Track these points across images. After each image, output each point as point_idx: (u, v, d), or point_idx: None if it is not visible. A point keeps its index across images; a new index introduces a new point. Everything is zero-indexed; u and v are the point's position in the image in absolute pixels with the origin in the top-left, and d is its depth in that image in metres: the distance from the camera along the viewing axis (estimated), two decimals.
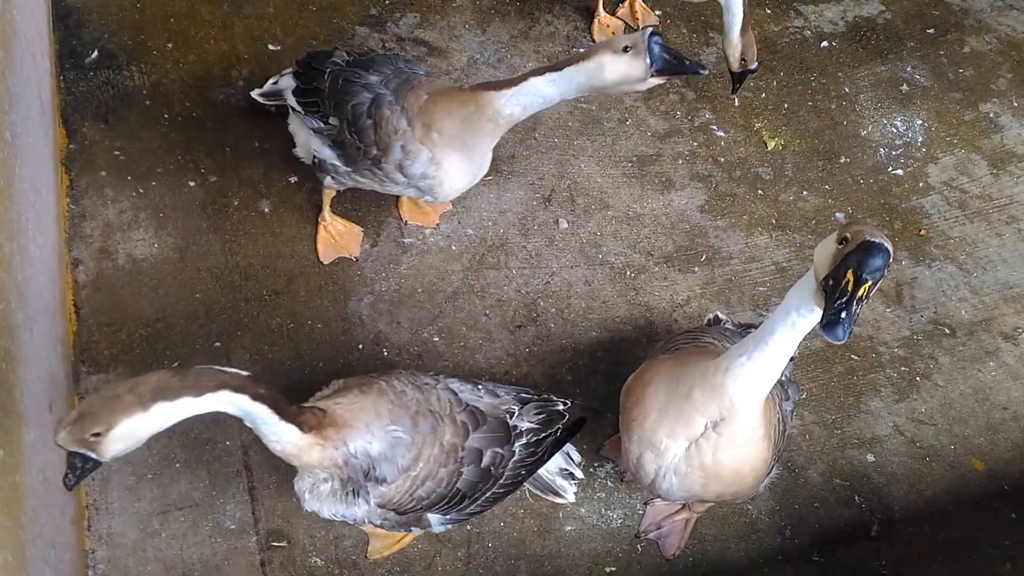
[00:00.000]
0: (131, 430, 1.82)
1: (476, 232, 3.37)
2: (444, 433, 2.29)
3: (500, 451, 2.37)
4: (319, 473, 2.21)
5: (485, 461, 2.35)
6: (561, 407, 2.54)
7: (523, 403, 2.50)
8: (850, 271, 1.71)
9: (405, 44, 3.76)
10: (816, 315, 1.89)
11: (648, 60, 2.34)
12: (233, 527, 2.77)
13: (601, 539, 2.87)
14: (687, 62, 2.38)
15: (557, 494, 2.70)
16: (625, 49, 2.35)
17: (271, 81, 3.09)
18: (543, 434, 2.48)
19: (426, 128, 2.66)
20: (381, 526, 2.38)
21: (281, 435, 2.03)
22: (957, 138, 3.83)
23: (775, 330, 1.98)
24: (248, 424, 2.03)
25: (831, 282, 1.74)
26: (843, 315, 1.70)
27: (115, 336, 3.01)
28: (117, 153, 3.34)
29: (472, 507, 2.44)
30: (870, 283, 1.72)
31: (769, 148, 3.70)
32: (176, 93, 3.50)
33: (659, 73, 2.37)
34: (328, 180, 3.01)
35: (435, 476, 2.28)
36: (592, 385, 3.11)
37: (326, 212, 3.22)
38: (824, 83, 3.91)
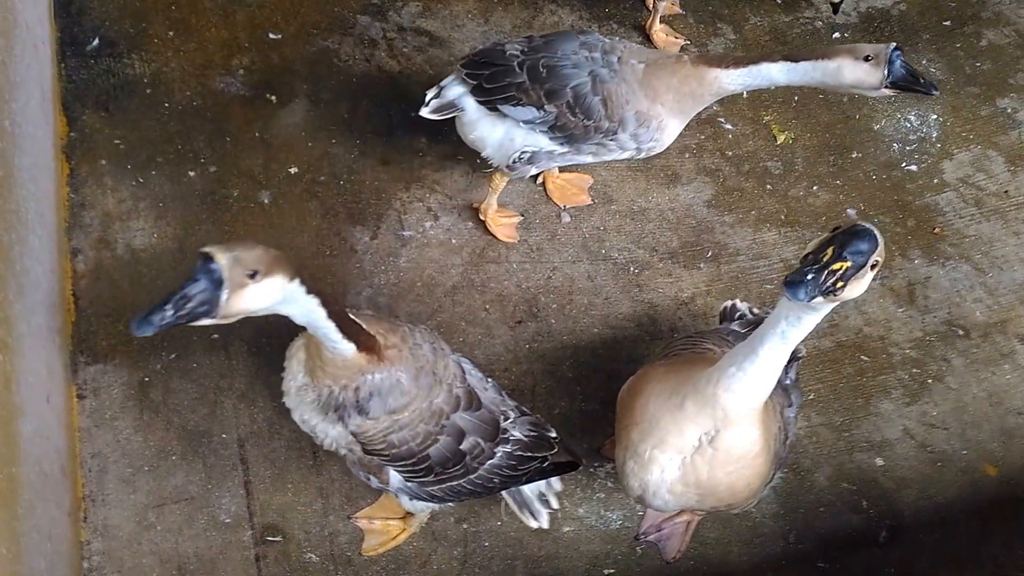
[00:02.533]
0: (268, 294, 1.74)
1: (476, 225, 3.32)
2: (437, 395, 2.29)
3: (482, 443, 2.36)
4: (325, 381, 2.19)
5: (465, 444, 2.33)
6: (553, 434, 2.52)
7: (521, 414, 2.49)
8: (832, 247, 1.72)
9: (407, 33, 3.71)
10: (805, 324, 1.89)
11: (886, 72, 2.51)
12: (228, 521, 2.76)
13: (600, 541, 2.83)
14: (922, 81, 2.54)
15: (532, 516, 2.66)
16: (867, 58, 2.51)
17: (431, 96, 2.96)
18: (528, 453, 2.45)
19: (651, 99, 2.77)
20: (345, 458, 2.38)
21: (338, 348, 2.06)
22: (973, 134, 3.74)
23: (765, 340, 1.94)
24: (310, 330, 2.03)
25: (810, 256, 1.74)
26: (809, 276, 1.69)
27: (114, 327, 3.00)
28: (118, 142, 3.32)
29: (434, 486, 2.42)
30: (849, 264, 1.71)
31: (779, 142, 3.63)
32: (176, 82, 3.47)
33: (892, 87, 2.54)
34: (522, 171, 3.02)
35: (413, 428, 2.26)
36: (593, 383, 3.06)
37: (494, 201, 3.22)
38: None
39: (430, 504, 2.55)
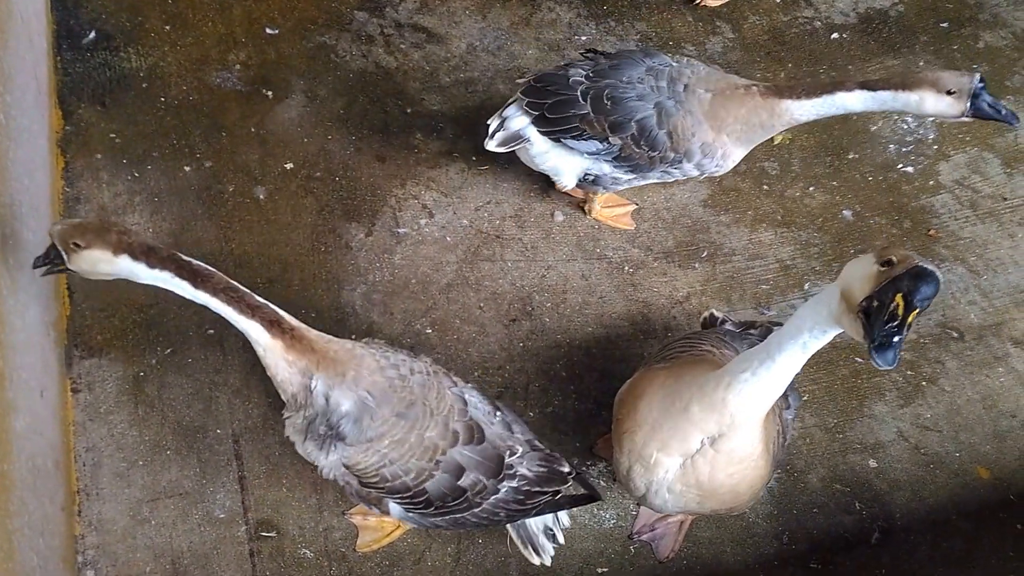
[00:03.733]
0: (95, 262, 2.06)
1: (471, 223, 3.31)
2: (427, 428, 2.24)
3: (483, 480, 2.30)
4: (284, 390, 2.23)
5: (464, 481, 2.28)
6: (566, 468, 2.45)
7: (531, 448, 2.43)
8: (900, 295, 1.61)
9: (404, 30, 3.70)
10: (828, 336, 1.83)
11: (969, 105, 2.52)
12: (223, 516, 2.76)
13: (593, 539, 2.83)
14: (1003, 112, 2.55)
15: (535, 551, 2.61)
16: (949, 92, 2.51)
17: (494, 127, 2.96)
18: (536, 488, 2.40)
19: (716, 130, 2.79)
20: (344, 489, 2.36)
21: (246, 332, 2.13)
22: (970, 136, 3.73)
23: (784, 348, 1.90)
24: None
25: (875, 303, 1.63)
26: (895, 339, 1.60)
27: (108, 321, 2.99)
28: (113, 136, 3.31)
29: (436, 517, 2.39)
30: (918, 311, 1.61)
31: (776, 142, 3.62)
32: (173, 76, 3.46)
33: (973, 117, 2.56)
34: (590, 188, 3.10)
35: (404, 463, 2.23)
36: (587, 382, 3.06)
37: (597, 202, 3.27)
38: (834, 76, 3.82)
39: (427, 525, 2.53)
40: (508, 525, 2.58)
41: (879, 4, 4.06)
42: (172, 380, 2.92)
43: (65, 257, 2.09)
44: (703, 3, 3.92)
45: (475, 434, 2.30)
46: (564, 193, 3.35)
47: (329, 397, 2.17)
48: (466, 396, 2.36)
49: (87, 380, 2.89)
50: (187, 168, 3.29)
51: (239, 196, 3.25)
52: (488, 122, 2.98)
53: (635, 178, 2.98)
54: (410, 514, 2.39)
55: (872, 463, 3.01)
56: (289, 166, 3.34)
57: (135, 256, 2.04)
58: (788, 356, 1.91)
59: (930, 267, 1.62)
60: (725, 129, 2.79)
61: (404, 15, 3.74)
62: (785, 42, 3.89)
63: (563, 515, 2.67)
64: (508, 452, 2.34)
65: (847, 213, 3.49)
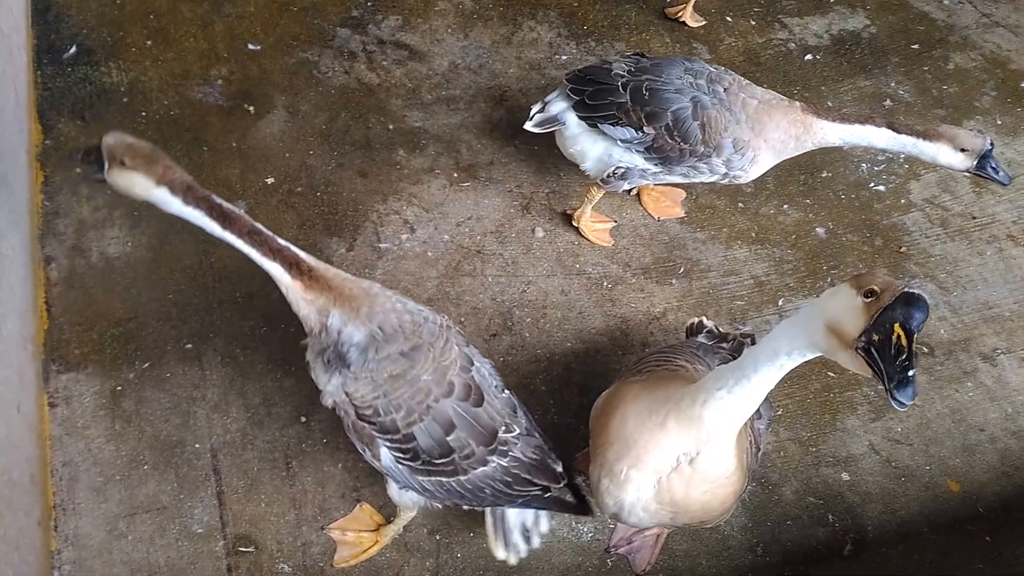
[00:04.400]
0: (134, 184, 2.14)
1: (452, 238, 3.34)
2: (425, 371, 2.30)
3: (473, 446, 2.33)
4: (311, 331, 2.33)
5: (453, 438, 2.31)
6: (559, 467, 2.48)
7: (529, 434, 2.45)
8: (897, 324, 1.61)
9: (386, 46, 3.74)
10: (804, 359, 1.85)
11: (973, 164, 2.79)
12: (200, 531, 2.74)
13: (571, 552, 2.85)
14: (1000, 173, 2.81)
15: (504, 546, 2.61)
16: (963, 151, 2.77)
17: (535, 110, 3.14)
18: (526, 475, 2.42)
19: (755, 132, 2.91)
20: (342, 422, 2.40)
21: (269, 271, 2.25)
22: None
23: (759, 368, 1.91)
24: None
25: (877, 338, 1.62)
26: (911, 374, 1.60)
27: (86, 335, 2.98)
28: None
29: (423, 477, 2.41)
30: (916, 335, 1.63)
31: None
32: (154, 91, 3.47)
33: (975, 174, 2.83)
34: (615, 185, 3.16)
35: (396, 399, 2.28)
36: (566, 396, 3.08)
37: (588, 210, 3.35)
38: (808, 96, 3.90)
39: (418, 499, 2.53)
40: (487, 511, 2.60)
41: (852, 26, 4.15)
42: (150, 394, 2.92)
43: (106, 168, 2.14)
44: (681, 18, 4.00)
45: (472, 394, 2.33)
46: (567, 212, 3.42)
47: (342, 331, 2.27)
48: (475, 360, 2.41)
49: (64, 394, 2.88)
50: None
51: None
52: (531, 106, 3.15)
53: (663, 171, 3.07)
54: (399, 466, 2.40)
55: (845, 476, 3.06)
56: (270, 181, 3.36)
57: (174, 191, 2.13)
58: (763, 375, 1.92)
59: (916, 290, 1.63)
60: (764, 134, 2.92)
61: (387, 32, 3.78)
62: (760, 63, 3.96)
63: (544, 520, 2.68)
64: (504, 428, 2.37)
65: (820, 230, 3.56)
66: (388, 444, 2.34)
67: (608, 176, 3.13)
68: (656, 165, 3.04)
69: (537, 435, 2.49)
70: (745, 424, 2.24)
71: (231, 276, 3.14)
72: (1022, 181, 3.80)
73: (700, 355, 2.49)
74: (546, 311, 3.25)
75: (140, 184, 2.13)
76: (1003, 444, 3.18)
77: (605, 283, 3.34)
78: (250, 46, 3.64)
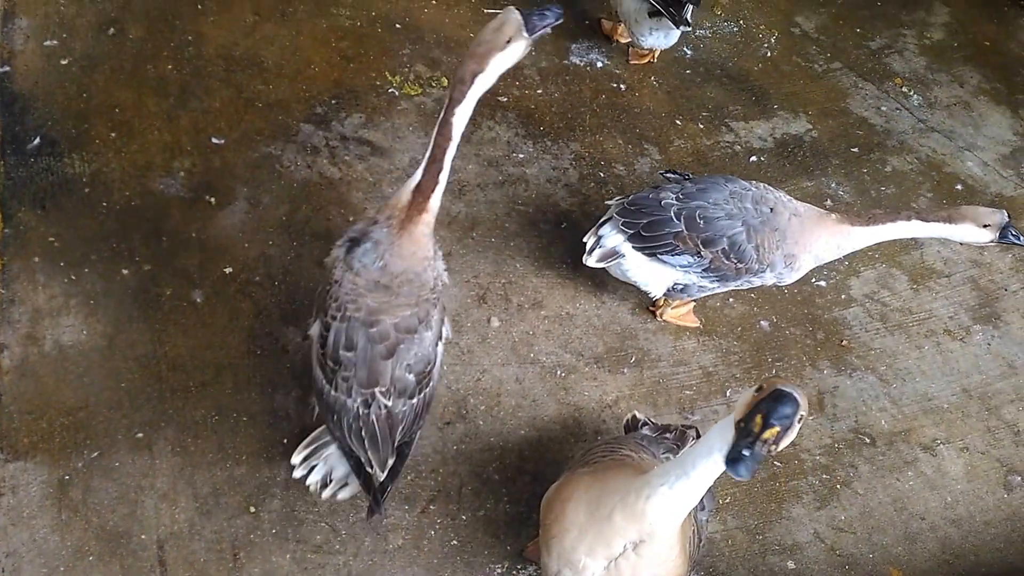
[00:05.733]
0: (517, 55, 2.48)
1: None
2: (387, 304, 2.54)
3: (354, 371, 2.50)
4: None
5: (347, 356, 2.50)
6: (380, 478, 2.61)
7: (403, 430, 2.62)
8: (759, 415, 1.88)
9: (349, 142, 3.86)
10: None
11: (997, 236, 3.00)
12: None
13: None
14: (1021, 240, 3.03)
15: (307, 462, 2.76)
16: (985, 226, 2.98)
17: (590, 244, 3.26)
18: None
19: (802, 246, 3.14)
20: None
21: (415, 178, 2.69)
22: (879, 253, 3.99)
23: (697, 464, 2.07)
24: None
25: (742, 424, 1.91)
26: (745, 453, 1.87)
27: (35, 424, 2.96)
28: (52, 240, 3.34)
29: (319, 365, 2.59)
30: (778, 428, 1.87)
31: None
32: (116, 182, 3.53)
33: (999, 243, 3.04)
34: (676, 296, 3.38)
35: (345, 292, 2.56)
36: (519, 485, 3.10)
37: (671, 309, 3.58)
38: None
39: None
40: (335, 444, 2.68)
41: (794, 130, 4.38)
42: (98, 484, 2.88)
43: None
44: (615, 38, 4.44)
45: (392, 348, 2.50)
46: (650, 308, 3.63)
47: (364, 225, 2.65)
48: (434, 362, 2.63)
49: (11, 483, 2.84)
50: (125, 271, 3.32)
51: (176, 299, 3.29)
52: (584, 240, 3.28)
53: (719, 286, 3.27)
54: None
55: (791, 564, 3.10)
56: (228, 270, 3.40)
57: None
58: (701, 471, 2.07)
59: (788, 389, 1.89)
60: (809, 247, 3.14)
61: (349, 129, 3.90)
62: (708, 163, 4.15)
63: (347, 491, 2.78)
64: (382, 392, 2.52)
65: (764, 324, 3.68)
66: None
67: (668, 291, 3.31)
68: (713, 281, 3.23)
69: (407, 449, 2.66)
70: (689, 515, 2.33)
71: (185, 365, 3.16)
72: (957, 279, 3.97)
73: (644, 445, 2.58)
74: (500, 399, 3.29)
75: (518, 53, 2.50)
76: (943, 532, 3.25)
77: (559, 372, 3.40)
78: (214, 139, 3.73)
